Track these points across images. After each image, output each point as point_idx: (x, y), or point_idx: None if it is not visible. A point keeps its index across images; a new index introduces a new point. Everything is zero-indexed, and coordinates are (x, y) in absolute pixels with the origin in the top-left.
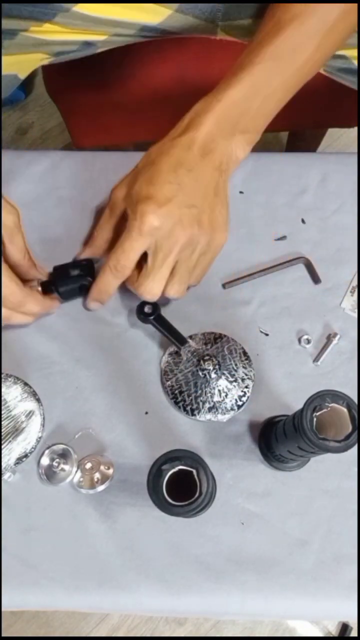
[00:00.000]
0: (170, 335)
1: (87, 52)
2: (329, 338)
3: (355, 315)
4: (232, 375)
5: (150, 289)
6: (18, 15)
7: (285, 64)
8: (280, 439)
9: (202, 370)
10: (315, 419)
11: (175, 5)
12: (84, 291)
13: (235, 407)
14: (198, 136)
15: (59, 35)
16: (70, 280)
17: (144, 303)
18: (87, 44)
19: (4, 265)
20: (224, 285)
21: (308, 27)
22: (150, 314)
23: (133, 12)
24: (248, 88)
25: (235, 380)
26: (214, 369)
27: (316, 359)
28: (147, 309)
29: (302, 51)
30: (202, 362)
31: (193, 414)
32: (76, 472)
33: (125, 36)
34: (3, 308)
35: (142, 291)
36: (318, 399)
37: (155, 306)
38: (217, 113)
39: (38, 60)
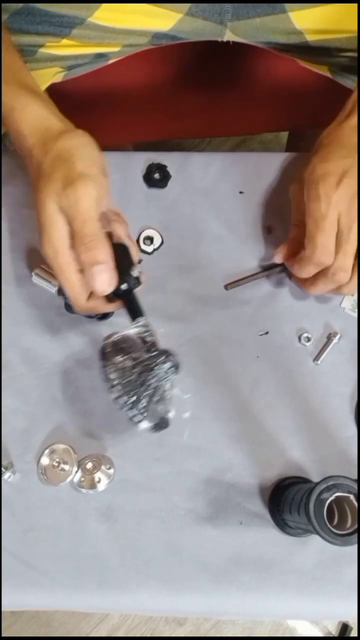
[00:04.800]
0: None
1: (99, 64)
2: (329, 337)
3: (355, 315)
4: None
5: (343, 264)
6: (36, 32)
7: None
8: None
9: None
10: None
11: (186, 8)
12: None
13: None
14: None
15: (74, 49)
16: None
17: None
18: (100, 55)
19: (70, 283)
20: (226, 287)
21: None
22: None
23: (145, 19)
24: None
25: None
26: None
27: (316, 359)
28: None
29: None
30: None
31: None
32: (76, 472)
33: (137, 46)
34: (75, 307)
35: (337, 267)
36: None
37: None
38: None
39: (52, 74)
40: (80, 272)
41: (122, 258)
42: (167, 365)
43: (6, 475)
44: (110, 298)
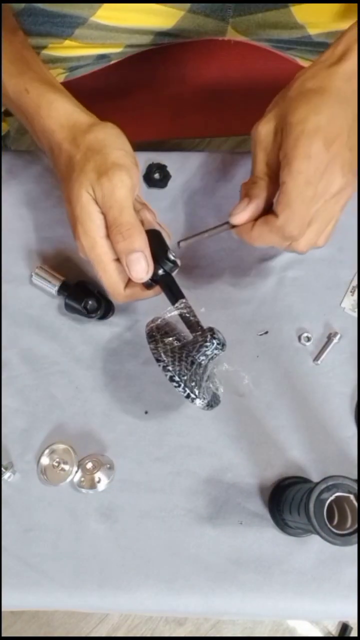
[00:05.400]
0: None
1: (101, 65)
2: (330, 337)
3: (355, 315)
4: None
5: (291, 232)
6: (38, 34)
7: None
8: (291, 510)
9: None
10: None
11: (187, 6)
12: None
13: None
14: (355, 68)
15: (76, 50)
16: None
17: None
18: (102, 56)
19: (107, 274)
20: (178, 243)
21: None
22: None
23: (147, 17)
24: None
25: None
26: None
27: (316, 358)
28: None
29: None
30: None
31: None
32: (76, 472)
33: (139, 46)
34: (113, 298)
35: (287, 231)
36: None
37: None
38: None
39: (54, 76)
40: (117, 261)
41: (156, 244)
42: (216, 342)
43: (6, 475)
44: (148, 284)
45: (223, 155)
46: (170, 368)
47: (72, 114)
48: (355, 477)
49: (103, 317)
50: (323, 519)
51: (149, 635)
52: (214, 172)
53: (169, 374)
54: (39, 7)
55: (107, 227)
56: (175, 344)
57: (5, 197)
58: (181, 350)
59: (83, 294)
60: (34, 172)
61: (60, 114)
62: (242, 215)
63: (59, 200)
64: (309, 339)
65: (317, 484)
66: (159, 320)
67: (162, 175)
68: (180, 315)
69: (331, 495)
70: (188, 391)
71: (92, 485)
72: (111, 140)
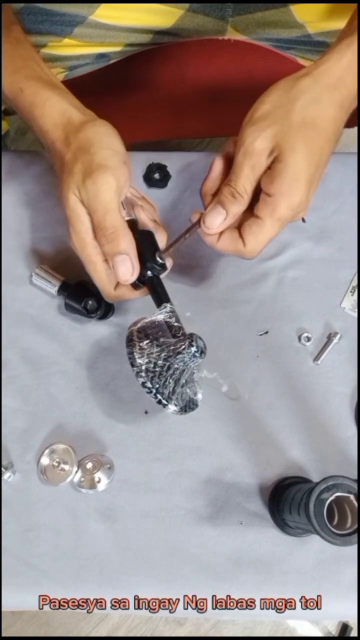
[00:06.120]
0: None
1: (100, 65)
2: (330, 337)
3: (355, 315)
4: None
5: (251, 256)
6: (38, 32)
7: None
8: (291, 509)
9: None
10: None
11: (187, 5)
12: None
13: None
14: (333, 70)
15: (76, 49)
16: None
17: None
18: (101, 55)
19: (97, 274)
20: (160, 256)
21: None
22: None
23: (146, 16)
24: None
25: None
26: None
27: (316, 358)
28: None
29: None
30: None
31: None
32: (76, 472)
33: (138, 45)
34: (105, 297)
35: (248, 255)
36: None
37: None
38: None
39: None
40: (106, 262)
41: (146, 245)
42: (193, 349)
43: (6, 475)
44: (136, 285)
45: None
46: (143, 375)
47: (65, 111)
48: (355, 477)
49: (103, 317)
50: (323, 519)
51: (149, 635)
52: None
53: (141, 379)
54: (38, 6)
55: (93, 230)
56: (155, 349)
57: (5, 197)
58: (159, 355)
59: (83, 294)
60: (34, 172)
61: (54, 112)
62: (217, 227)
63: (59, 200)
64: (309, 339)
65: (317, 484)
66: (142, 322)
67: (162, 175)
68: (164, 319)
69: (331, 495)
70: (160, 397)
71: (92, 485)
72: (98, 139)
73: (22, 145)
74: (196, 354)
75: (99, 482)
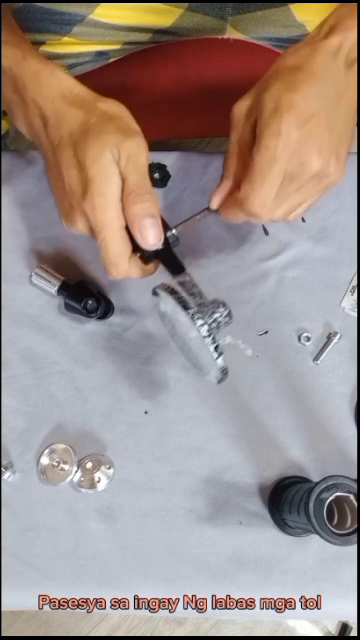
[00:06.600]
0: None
1: (100, 63)
2: (330, 337)
3: (355, 315)
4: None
5: (249, 208)
6: (37, 30)
7: None
8: (291, 509)
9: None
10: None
11: (186, 4)
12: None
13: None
14: (345, 42)
15: (75, 47)
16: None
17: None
18: (101, 53)
19: (114, 241)
20: (174, 229)
21: None
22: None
23: (146, 15)
24: None
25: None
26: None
27: (316, 359)
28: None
29: None
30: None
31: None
32: (76, 472)
33: (137, 44)
34: (113, 272)
35: (246, 205)
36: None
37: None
38: None
39: None
40: (125, 229)
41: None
42: (228, 309)
43: (6, 475)
44: (148, 259)
45: (223, 155)
46: (200, 316)
47: (75, 86)
48: (355, 477)
49: (103, 317)
50: (323, 519)
51: (149, 635)
52: (214, 172)
53: (199, 322)
54: (37, 5)
55: (124, 191)
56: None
57: (5, 197)
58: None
59: (83, 294)
60: (34, 172)
61: (62, 83)
62: (215, 199)
63: (55, 166)
64: (309, 339)
65: (317, 484)
66: (169, 283)
67: (162, 175)
68: (183, 285)
69: (331, 495)
70: (218, 344)
71: (92, 485)
72: (126, 113)
73: (22, 145)
74: (229, 315)
75: (99, 482)
